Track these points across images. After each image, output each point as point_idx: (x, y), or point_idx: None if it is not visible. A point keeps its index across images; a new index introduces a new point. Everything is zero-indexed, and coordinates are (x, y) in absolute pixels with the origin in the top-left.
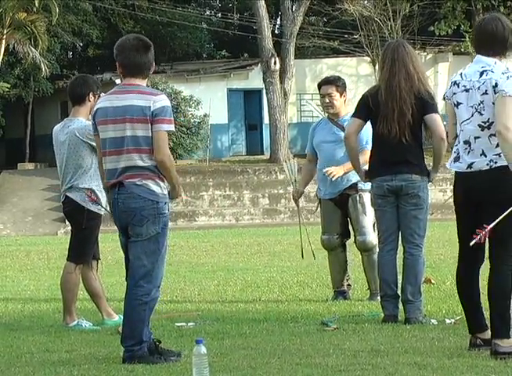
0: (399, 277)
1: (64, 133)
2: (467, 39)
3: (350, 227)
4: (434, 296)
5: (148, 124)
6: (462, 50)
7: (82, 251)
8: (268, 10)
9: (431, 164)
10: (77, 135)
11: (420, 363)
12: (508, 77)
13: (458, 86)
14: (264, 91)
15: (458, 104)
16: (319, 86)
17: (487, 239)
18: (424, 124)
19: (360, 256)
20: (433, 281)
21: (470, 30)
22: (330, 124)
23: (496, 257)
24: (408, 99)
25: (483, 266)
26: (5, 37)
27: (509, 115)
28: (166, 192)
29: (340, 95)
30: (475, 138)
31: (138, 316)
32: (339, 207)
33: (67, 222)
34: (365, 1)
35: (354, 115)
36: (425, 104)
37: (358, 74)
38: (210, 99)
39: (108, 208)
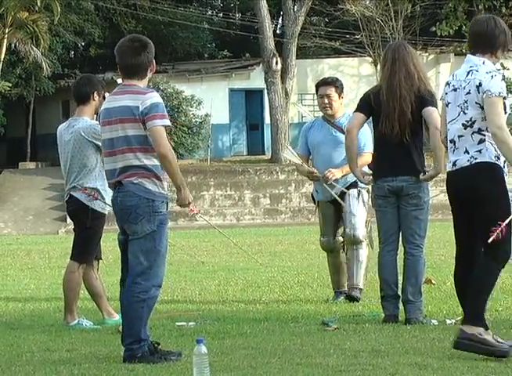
0: (400, 278)
1: (69, 133)
2: None
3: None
4: (435, 296)
5: (138, 124)
6: (463, 51)
7: (85, 250)
8: (269, 10)
9: (432, 164)
10: (83, 134)
11: (421, 364)
12: (492, 77)
13: (449, 86)
14: (265, 91)
15: (448, 104)
16: (318, 87)
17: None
18: (425, 124)
19: (346, 252)
20: (433, 282)
21: None
22: (327, 125)
23: (484, 253)
24: (408, 98)
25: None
26: (6, 36)
27: (499, 115)
28: (163, 191)
29: (339, 97)
30: (459, 136)
31: (136, 313)
32: (336, 208)
33: (68, 222)
34: (367, 2)
35: (356, 111)
36: (423, 100)
37: (360, 75)
38: (212, 99)
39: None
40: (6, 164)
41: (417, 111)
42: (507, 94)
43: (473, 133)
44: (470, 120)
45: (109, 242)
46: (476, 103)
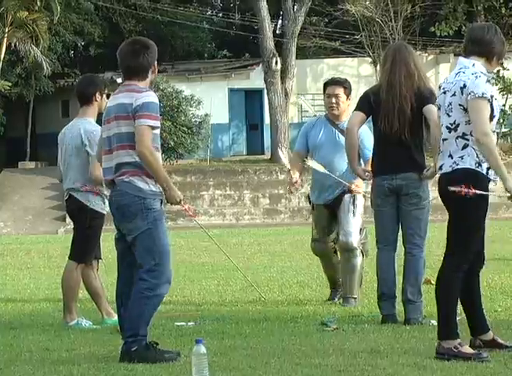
0: (400, 278)
1: (71, 133)
2: None
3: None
4: (434, 297)
5: (131, 121)
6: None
7: (84, 250)
8: (269, 10)
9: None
10: (82, 135)
11: (420, 364)
12: (476, 77)
13: (440, 89)
14: (265, 91)
15: (439, 107)
16: (326, 85)
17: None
18: (425, 123)
19: (340, 258)
20: (432, 282)
21: None
22: (330, 126)
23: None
24: (408, 96)
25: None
26: (6, 35)
27: (484, 119)
28: (155, 188)
29: (347, 98)
30: (443, 140)
31: (138, 308)
32: (330, 213)
33: (68, 221)
34: (367, 2)
35: (356, 109)
36: (424, 98)
37: (359, 75)
38: (212, 99)
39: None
40: (6, 164)
41: (417, 110)
42: (507, 94)
43: (457, 138)
44: (454, 123)
45: (109, 242)
46: (459, 104)
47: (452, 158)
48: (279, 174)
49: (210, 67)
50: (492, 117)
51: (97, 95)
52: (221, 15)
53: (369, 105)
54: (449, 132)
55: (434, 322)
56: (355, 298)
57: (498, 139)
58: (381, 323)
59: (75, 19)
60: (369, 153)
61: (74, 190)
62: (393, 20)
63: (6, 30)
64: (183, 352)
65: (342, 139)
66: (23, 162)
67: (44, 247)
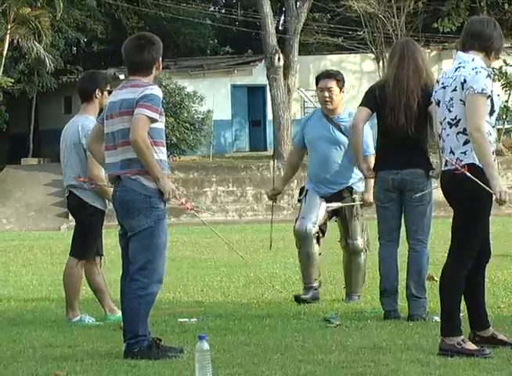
0: (403, 275)
1: (71, 129)
2: None
3: (338, 230)
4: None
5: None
6: None
7: (85, 246)
8: (272, 6)
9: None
10: (79, 132)
11: (423, 360)
12: (477, 73)
13: (438, 84)
14: (267, 87)
15: (438, 102)
16: (318, 79)
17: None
18: (430, 120)
19: (343, 257)
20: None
21: None
22: (325, 120)
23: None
24: (415, 90)
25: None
26: (9, 32)
27: (480, 115)
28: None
29: (340, 91)
30: (446, 135)
31: (132, 309)
32: (323, 202)
33: (70, 218)
34: None
35: (362, 104)
36: (430, 95)
37: (362, 71)
38: (214, 95)
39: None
40: (8, 160)
41: (423, 106)
42: (510, 90)
43: (458, 133)
44: (455, 118)
45: (112, 238)
46: (460, 100)
47: (454, 154)
48: (281, 170)
49: (213, 64)
50: (492, 112)
51: (97, 92)
52: (223, 11)
53: (374, 100)
54: (450, 128)
55: (438, 318)
56: (358, 296)
57: (501, 135)
58: (383, 319)
59: (78, 16)
60: (368, 150)
61: (74, 187)
62: (396, 16)
63: (9, 27)
64: (186, 348)
65: (337, 133)
66: (26, 158)
67: (46, 244)
